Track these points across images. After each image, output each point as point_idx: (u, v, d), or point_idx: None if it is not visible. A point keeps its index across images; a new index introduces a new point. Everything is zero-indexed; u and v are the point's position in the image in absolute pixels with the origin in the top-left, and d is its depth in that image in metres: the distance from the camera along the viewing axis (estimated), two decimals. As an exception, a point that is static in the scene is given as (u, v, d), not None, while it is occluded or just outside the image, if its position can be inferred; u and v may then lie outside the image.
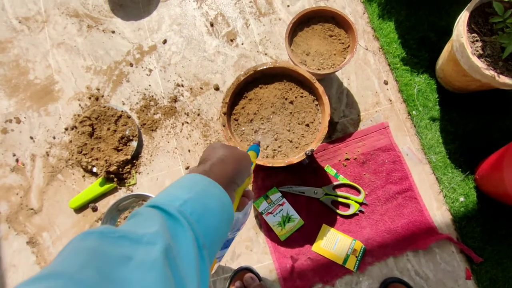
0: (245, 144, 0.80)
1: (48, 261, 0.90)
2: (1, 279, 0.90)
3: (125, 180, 0.94)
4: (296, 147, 0.80)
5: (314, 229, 0.87)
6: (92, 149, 0.93)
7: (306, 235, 0.87)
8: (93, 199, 0.93)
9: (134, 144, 0.94)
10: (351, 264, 0.84)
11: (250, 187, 0.92)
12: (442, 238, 0.84)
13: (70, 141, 0.97)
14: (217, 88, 0.99)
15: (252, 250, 0.88)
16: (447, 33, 0.92)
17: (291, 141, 0.80)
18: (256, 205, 0.88)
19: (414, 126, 0.93)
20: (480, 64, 0.73)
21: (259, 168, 0.91)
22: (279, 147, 0.80)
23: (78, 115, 0.98)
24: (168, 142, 0.96)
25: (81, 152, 0.93)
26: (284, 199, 0.88)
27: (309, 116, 0.81)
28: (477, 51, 0.76)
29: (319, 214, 0.89)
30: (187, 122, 0.97)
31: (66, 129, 0.98)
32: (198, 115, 0.98)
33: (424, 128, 0.92)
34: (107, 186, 0.92)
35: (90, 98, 1.00)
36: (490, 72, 0.72)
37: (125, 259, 0.22)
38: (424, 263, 0.84)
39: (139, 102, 0.99)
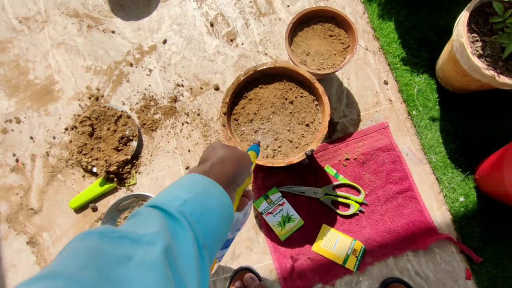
0: (245, 144, 0.80)
1: (48, 261, 0.90)
2: (1, 279, 0.90)
3: (125, 180, 0.94)
4: (296, 147, 0.80)
5: (314, 229, 0.87)
6: (92, 149, 0.93)
7: (306, 235, 0.87)
8: (93, 199, 0.93)
9: (134, 144, 0.94)
10: (351, 264, 0.84)
11: (250, 187, 0.92)
12: (442, 238, 0.84)
13: (70, 141, 0.97)
14: (217, 88, 0.99)
15: (252, 250, 0.88)
16: (447, 33, 0.92)
17: (291, 141, 0.80)
18: (256, 205, 0.88)
19: (414, 126, 0.93)
20: (480, 64, 0.73)
21: (259, 168, 0.91)
22: (279, 147, 0.80)
23: (78, 115, 0.98)
24: (168, 142, 0.96)
25: (81, 152, 0.93)
26: (284, 199, 0.88)
27: (309, 116, 0.81)
28: (477, 51, 0.76)
29: (319, 214, 0.89)
30: (187, 122, 0.97)
31: (66, 129, 0.98)
32: (198, 115, 0.98)
33: (424, 128, 0.92)
34: (107, 186, 0.92)
35: (90, 98, 1.00)
36: (490, 72, 0.72)
37: (125, 259, 0.22)
38: (424, 263, 0.84)
39: (139, 102, 0.99)
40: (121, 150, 0.93)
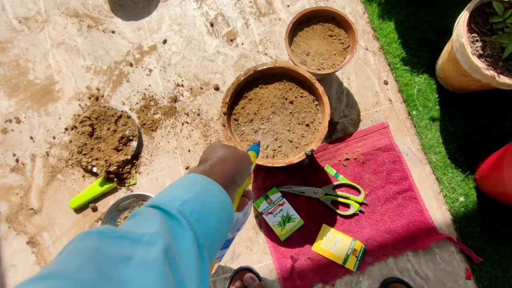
0: (245, 144, 0.80)
1: (48, 261, 0.90)
2: (1, 279, 0.90)
3: (125, 180, 0.94)
4: (296, 147, 0.80)
5: (314, 229, 0.87)
6: (92, 149, 0.93)
7: (306, 235, 0.87)
8: (93, 199, 0.93)
9: (134, 144, 0.94)
10: (351, 264, 0.84)
11: (250, 187, 0.92)
12: (442, 238, 0.84)
13: (70, 141, 0.97)
14: (217, 88, 0.99)
15: (252, 250, 0.88)
16: (447, 33, 0.92)
17: (291, 141, 0.80)
18: (256, 205, 0.88)
19: (414, 126, 0.93)
20: (480, 64, 0.73)
21: (259, 168, 0.91)
22: (279, 147, 0.80)
23: (78, 115, 0.98)
24: (168, 142, 0.96)
25: (81, 152, 0.93)
26: (284, 199, 0.88)
27: (309, 116, 0.81)
28: (477, 51, 0.76)
29: (319, 214, 0.89)
30: (187, 122, 0.97)
31: (66, 129, 0.98)
32: (198, 115, 0.98)
33: (424, 128, 0.92)
34: (107, 186, 0.92)
35: (90, 98, 1.00)
36: (490, 72, 0.72)
37: (125, 259, 0.22)
38: (424, 263, 0.84)
39: (139, 102, 0.99)
40: (121, 150, 0.93)
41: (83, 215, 0.93)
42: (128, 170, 0.94)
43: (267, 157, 0.80)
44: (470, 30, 0.77)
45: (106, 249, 0.22)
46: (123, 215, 0.91)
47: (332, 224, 0.88)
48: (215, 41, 1.03)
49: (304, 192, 0.89)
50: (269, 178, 0.91)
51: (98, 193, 0.92)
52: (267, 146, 0.81)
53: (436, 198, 0.89)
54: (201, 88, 1.00)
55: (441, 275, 0.83)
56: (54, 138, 0.98)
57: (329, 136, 0.94)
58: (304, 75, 0.79)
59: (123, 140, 0.93)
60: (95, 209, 0.93)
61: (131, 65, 1.02)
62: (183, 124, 0.97)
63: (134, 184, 0.94)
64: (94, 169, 0.92)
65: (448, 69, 0.86)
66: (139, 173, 0.95)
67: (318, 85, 0.78)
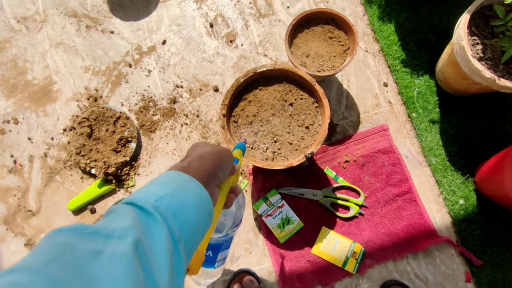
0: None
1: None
2: (-2, 281, 0.89)
3: (124, 182, 0.93)
4: (296, 150, 0.80)
5: (314, 232, 0.87)
6: (91, 150, 0.93)
7: (306, 237, 0.87)
8: (91, 201, 0.92)
9: (133, 145, 0.93)
10: (350, 267, 0.84)
11: (249, 187, 0.92)
12: (441, 240, 0.84)
13: (69, 142, 0.96)
14: (216, 90, 0.99)
15: (251, 253, 0.88)
16: (447, 35, 0.92)
17: (290, 144, 0.80)
18: (256, 207, 0.88)
19: (414, 128, 0.93)
20: (480, 67, 0.72)
21: (259, 170, 0.91)
22: (279, 149, 0.80)
23: (77, 116, 0.98)
24: (167, 143, 0.96)
25: (80, 153, 0.92)
26: (283, 201, 0.88)
27: (309, 118, 0.81)
28: (478, 54, 0.75)
29: (319, 217, 0.88)
30: (186, 124, 0.97)
31: (65, 130, 0.98)
32: (197, 116, 0.97)
33: (424, 130, 0.92)
34: (105, 188, 0.92)
35: (88, 98, 0.99)
36: (491, 75, 0.72)
37: (95, 253, 0.22)
38: (423, 265, 0.84)
39: (138, 103, 0.99)
40: (120, 151, 0.93)
41: (81, 217, 0.92)
42: (127, 171, 0.93)
43: (266, 159, 0.79)
44: (471, 32, 0.77)
45: (77, 245, 0.22)
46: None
47: (331, 226, 0.88)
48: (215, 42, 1.02)
49: (304, 194, 0.88)
50: (269, 180, 0.90)
51: (96, 195, 0.91)
52: (267, 149, 0.80)
53: (436, 200, 0.88)
54: (201, 89, 0.99)
55: (441, 278, 0.83)
56: (52, 139, 0.97)
57: (328, 138, 0.93)
58: (304, 77, 0.78)
59: (122, 141, 0.93)
60: (93, 211, 0.92)
61: (130, 65, 1.01)
62: (182, 125, 0.97)
63: (133, 185, 0.94)
64: (93, 171, 0.91)
65: (448, 71, 0.86)
66: (138, 174, 0.94)
67: (318, 87, 0.78)
